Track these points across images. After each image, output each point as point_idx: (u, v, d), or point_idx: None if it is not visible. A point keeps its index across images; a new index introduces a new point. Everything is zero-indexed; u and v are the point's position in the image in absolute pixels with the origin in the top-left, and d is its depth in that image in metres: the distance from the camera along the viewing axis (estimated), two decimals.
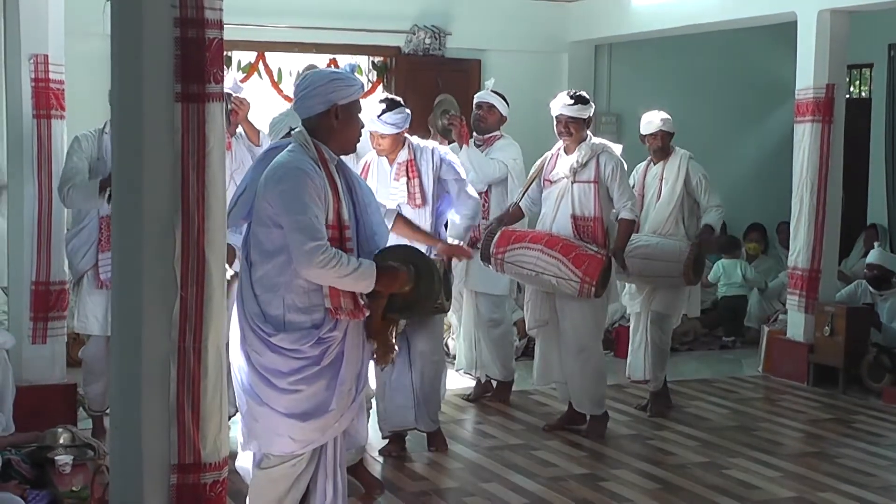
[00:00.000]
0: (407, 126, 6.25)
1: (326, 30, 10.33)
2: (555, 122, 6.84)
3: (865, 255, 10.86)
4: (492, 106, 7.70)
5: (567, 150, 6.87)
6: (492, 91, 7.75)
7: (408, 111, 6.22)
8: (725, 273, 10.52)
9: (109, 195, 6.01)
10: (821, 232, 8.65)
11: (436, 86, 10.00)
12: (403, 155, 6.28)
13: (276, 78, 10.42)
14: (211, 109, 3.66)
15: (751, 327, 10.33)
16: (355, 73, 4.42)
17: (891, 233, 11.22)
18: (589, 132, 6.88)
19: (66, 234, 6.51)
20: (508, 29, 11.11)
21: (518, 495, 5.85)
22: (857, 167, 11.01)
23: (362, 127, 4.41)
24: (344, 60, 10.74)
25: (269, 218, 4.11)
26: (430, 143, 6.44)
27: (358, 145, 4.59)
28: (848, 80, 10.78)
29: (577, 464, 6.45)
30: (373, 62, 10.92)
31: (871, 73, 11.95)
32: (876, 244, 9.65)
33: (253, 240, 4.20)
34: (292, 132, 4.35)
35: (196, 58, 3.61)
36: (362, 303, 4.18)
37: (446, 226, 6.48)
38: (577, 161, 6.76)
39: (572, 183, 6.79)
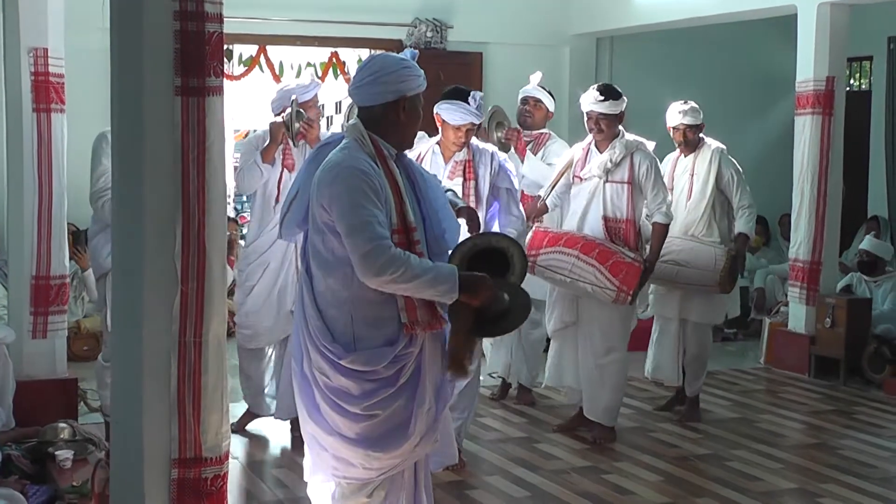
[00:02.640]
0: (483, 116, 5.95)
1: (328, 23, 10.32)
2: (585, 118, 6.64)
3: None
4: (538, 101, 7.48)
5: (599, 147, 6.64)
6: (538, 86, 7.53)
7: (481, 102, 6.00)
8: None
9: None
10: (821, 224, 8.65)
11: (437, 79, 9.92)
12: (462, 154, 6.01)
13: (277, 71, 10.42)
14: (211, 103, 3.64)
15: (754, 319, 10.31)
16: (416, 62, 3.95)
17: (891, 224, 11.21)
18: (621, 127, 6.65)
19: (91, 227, 6.42)
20: (510, 22, 11.10)
21: (520, 488, 5.85)
22: (857, 159, 10.99)
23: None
24: (346, 54, 10.76)
25: (324, 224, 3.65)
26: (489, 147, 6.19)
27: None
28: (848, 72, 10.77)
29: (579, 456, 6.45)
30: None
31: (870, 65, 11.93)
32: (872, 234, 9.68)
33: (311, 249, 3.76)
34: (344, 126, 3.97)
35: (196, 51, 3.60)
36: (440, 312, 3.74)
37: None
38: (611, 160, 6.54)
39: (605, 183, 6.57)
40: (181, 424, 3.67)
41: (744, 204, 7.30)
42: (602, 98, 6.51)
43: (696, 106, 7.34)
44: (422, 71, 3.85)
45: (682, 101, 7.37)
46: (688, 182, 7.34)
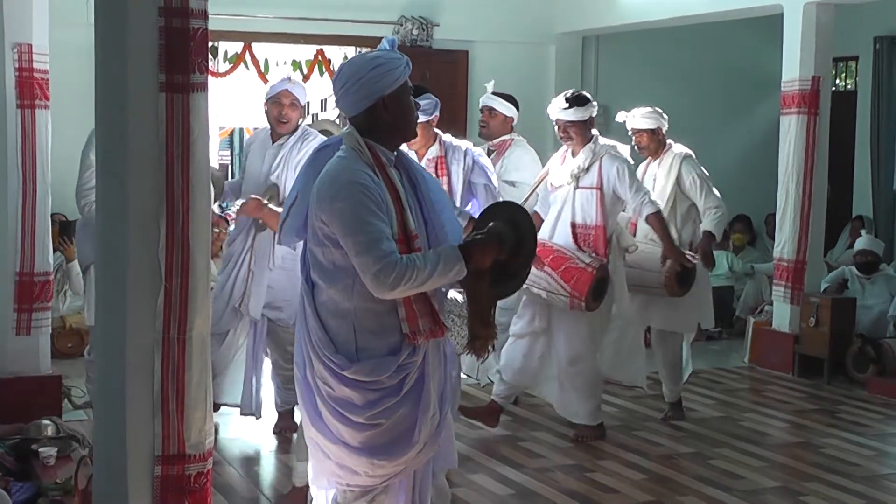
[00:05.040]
0: (437, 114, 5.94)
1: (314, 20, 10.30)
2: (555, 126, 6.62)
3: (851, 246, 10.95)
4: (492, 109, 7.36)
5: (574, 154, 6.62)
6: (493, 93, 7.40)
7: (436, 99, 5.96)
8: None
9: None
10: (806, 223, 8.67)
11: (423, 77, 9.98)
12: (434, 151, 5.98)
13: (262, 68, 10.41)
14: (195, 100, 3.64)
15: (739, 317, 10.34)
16: (395, 49, 3.80)
17: (876, 224, 11.26)
18: (595, 132, 6.62)
19: (79, 219, 6.45)
20: (496, 20, 11.10)
21: (505, 486, 5.85)
22: (842, 159, 11.03)
23: (418, 108, 3.84)
24: (331, 52, 10.75)
25: (325, 237, 3.57)
26: (463, 143, 6.12)
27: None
28: (834, 72, 10.84)
29: (563, 455, 6.46)
30: (359, 53, 10.89)
31: (856, 65, 11.98)
32: (863, 231, 9.71)
33: (311, 259, 3.68)
34: (342, 132, 3.74)
35: (180, 47, 3.60)
36: (441, 319, 3.70)
37: None
38: (579, 166, 6.53)
39: (575, 189, 6.55)
40: (165, 421, 3.67)
41: (710, 206, 7.20)
42: (567, 106, 6.49)
43: (658, 111, 7.30)
44: (401, 58, 3.71)
45: (646, 106, 7.32)
46: (651, 187, 7.22)
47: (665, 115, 7.34)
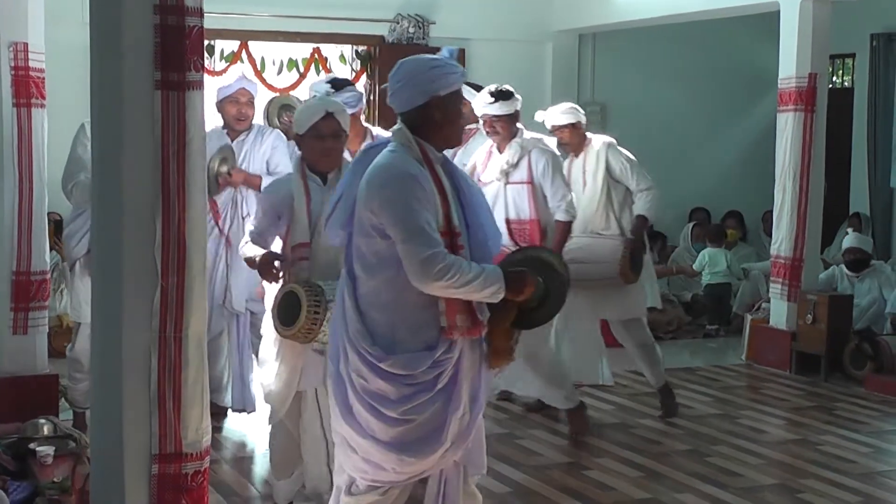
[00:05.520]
0: (361, 107, 5.91)
1: (310, 19, 10.30)
2: (481, 123, 6.61)
3: None
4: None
5: (500, 149, 6.60)
6: (465, 83, 7.47)
7: (360, 91, 5.93)
8: (710, 261, 10.56)
9: None
10: (803, 221, 8.67)
11: None
12: (366, 146, 5.97)
13: (259, 67, 10.39)
14: (191, 98, 3.64)
15: (737, 315, 10.35)
16: (454, 59, 3.94)
17: (873, 221, 11.27)
18: (520, 126, 6.58)
19: (68, 215, 6.49)
20: (492, 18, 11.09)
21: (502, 484, 5.85)
22: (839, 156, 11.06)
23: (463, 119, 3.97)
24: (328, 50, 10.74)
25: (372, 228, 3.67)
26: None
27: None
28: (830, 69, 10.85)
29: (560, 452, 6.46)
30: (356, 51, 10.90)
31: (853, 62, 11.99)
32: (849, 230, 9.73)
33: (355, 252, 3.76)
34: (392, 129, 3.89)
35: (176, 45, 3.60)
36: (480, 318, 3.76)
37: None
38: (508, 162, 6.52)
39: (505, 185, 6.54)
40: (161, 420, 3.67)
41: (642, 187, 7.18)
42: (492, 100, 6.47)
43: (575, 106, 7.28)
44: (458, 67, 3.85)
45: (566, 103, 7.30)
46: (581, 180, 7.23)
47: (581, 110, 7.32)
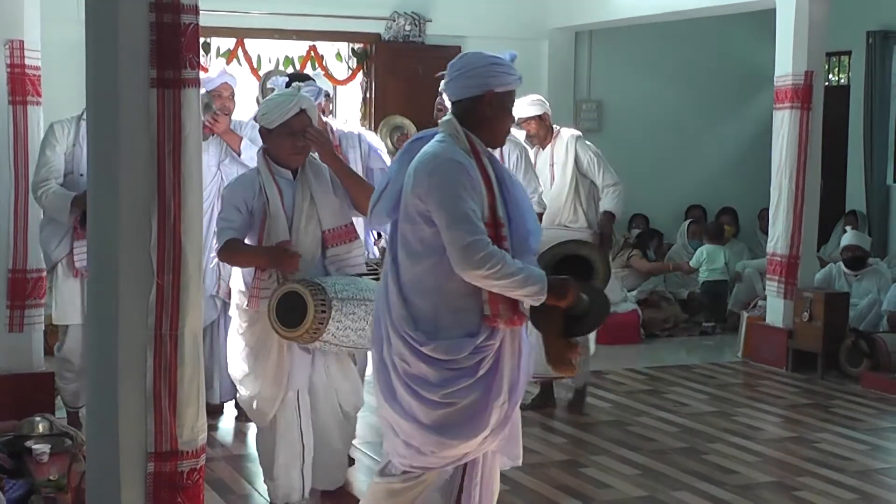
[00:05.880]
0: (321, 101, 5.85)
1: (306, 16, 10.31)
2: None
3: None
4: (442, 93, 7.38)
5: None
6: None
7: (321, 87, 5.89)
8: (709, 258, 10.56)
9: (82, 216, 5.89)
10: (799, 218, 8.67)
11: (416, 73, 9.98)
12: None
13: (255, 65, 10.39)
14: (187, 95, 3.64)
15: (733, 312, 10.35)
16: (514, 63, 3.97)
17: (869, 219, 11.28)
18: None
19: (41, 220, 6.41)
20: (488, 16, 11.09)
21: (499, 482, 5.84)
22: (835, 154, 11.06)
23: (513, 122, 4.03)
24: (324, 48, 10.74)
25: (419, 214, 3.73)
26: (354, 129, 5.96)
27: None
28: (826, 67, 10.84)
29: (557, 450, 6.46)
30: (352, 49, 10.89)
31: (849, 60, 11.99)
32: (848, 228, 9.73)
33: (400, 239, 3.82)
34: (440, 121, 3.92)
35: (171, 43, 3.59)
36: (522, 310, 3.82)
37: None
38: None
39: None
40: (157, 418, 3.66)
41: (609, 183, 7.22)
42: None
43: (541, 98, 7.29)
44: (516, 71, 3.89)
45: (532, 94, 7.30)
46: (549, 172, 7.26)
47: (547, 102, 7.32)
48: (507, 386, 3.84)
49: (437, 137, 3.85)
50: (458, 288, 3.74)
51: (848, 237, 9.41)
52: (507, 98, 3.90)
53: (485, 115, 3.84)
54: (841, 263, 9.31)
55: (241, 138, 6.66)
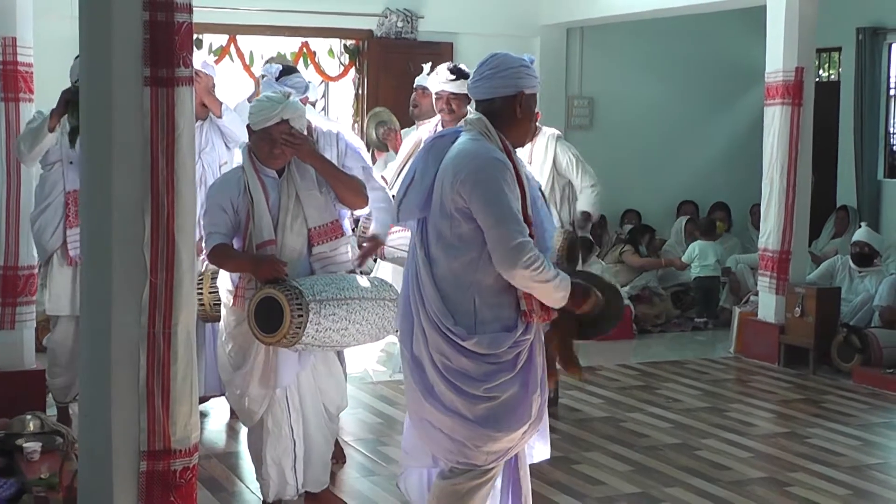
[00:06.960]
0: (306, 95, 5.81)
1: (298, 13, 10.30)
2: (434, 99, 6.49)
3: (835, 236, 11.06)
4: (425, 88, 7.18)
5: (446, 128, 6.37)
6: (428, 74, 7.23)
7: (307, 81, 5.87)
8: (700, 254, 10.58)
9: (72, 130, 5.89)
10: (791, 214, 8.70)
11: (408, 69, 9.97)
12: None
13: (247, 61, 10.38)
14: (180, 94, 3.64)
15: (724, 308, 10.37)
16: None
17: (860, 214, 11.30)
18: (469, 108, 6.52)
19: (32, 212, 6.39)
20: (480, 12, 11.10)
21: None
22: (826, 150, 11.08)
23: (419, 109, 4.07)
24: (316, 44, 10.73)
25: (457, 210, 3.74)
26: (333, 127, 5.81)
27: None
28: (817, 63, 10.86)
29: (550, 446, 6.45)
30: (345, 45, 10.89)
31: (839, 56, 12.01)
32: (863, 224, 9.74)
33: (432, 234, 3.83)
34: (467, 118, 3.94)
35: (165, 41, 3.59)
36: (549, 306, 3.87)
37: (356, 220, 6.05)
38: None
39: None
40: (150, 416, 3.66)
41: (587, 184, 7.16)
42: (453, 77, 6.35)
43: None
44: (538, 76, 3.99)
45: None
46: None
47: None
48: (540, 379, 3.91)
49: (468, 135, 3.85)
50: (495, 283, 3.77)
51: (860, 233, 9.39)
52: (533, 101, 3.95)
53: (514, 115, 3.88)
54: (849, 257, 9.32)
55: (221, 103, 6.67)
